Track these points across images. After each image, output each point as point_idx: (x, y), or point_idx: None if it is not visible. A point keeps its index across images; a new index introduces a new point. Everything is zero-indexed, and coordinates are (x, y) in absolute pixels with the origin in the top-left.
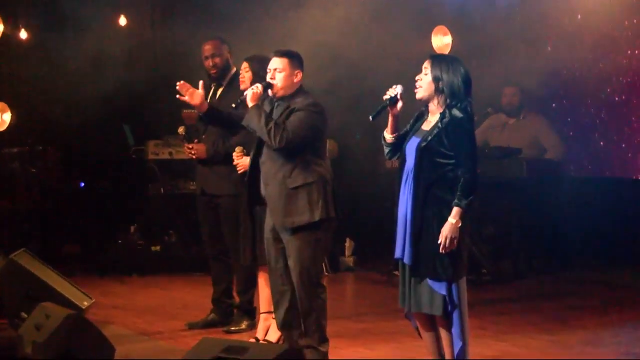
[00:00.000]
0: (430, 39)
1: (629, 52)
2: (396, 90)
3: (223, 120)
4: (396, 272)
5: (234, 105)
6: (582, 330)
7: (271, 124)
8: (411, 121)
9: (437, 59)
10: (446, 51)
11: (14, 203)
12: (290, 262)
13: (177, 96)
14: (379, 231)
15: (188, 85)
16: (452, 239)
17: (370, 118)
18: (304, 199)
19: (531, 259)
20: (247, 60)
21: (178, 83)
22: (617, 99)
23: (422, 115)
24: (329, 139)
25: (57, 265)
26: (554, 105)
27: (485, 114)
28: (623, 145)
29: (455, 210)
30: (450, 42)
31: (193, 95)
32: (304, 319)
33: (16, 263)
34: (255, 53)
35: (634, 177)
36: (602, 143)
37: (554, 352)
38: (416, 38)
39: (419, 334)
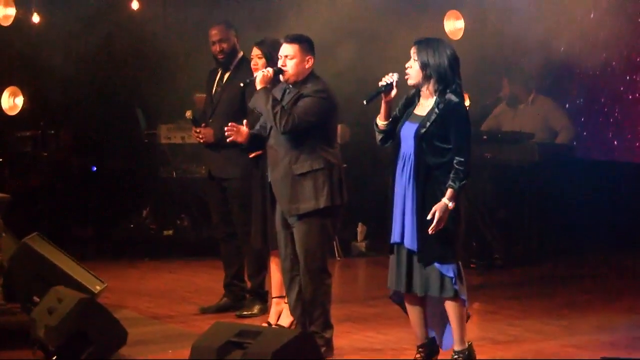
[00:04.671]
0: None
1: None
2: (393, 77)
3: None
4: None
5: (242, 84)
6: (594, 315)
7: (278, 108)
8: (400, 106)
9: (423, 45)
10: (459, 36)
11: (26, 186)
12: (297, 248)
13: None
14: (391, 216)
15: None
16: (441, 220)
17: (364, 102)
18: (310, 185)
19: (543, 243)
20: (258, 45)
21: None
22: (630, 97)
23: (413, 100)
24: (340, 124)
25: (69, 249)
26: (567, 105)
27: (498, 99)
28: (637, 144)
29: (450, 191)
30: (463, 26)
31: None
32: (309, 305)
33: (29, 247)
34: (265, 36)
35: None
36: (615, 142)
37: (567, 337)
38: (427, 22)
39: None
